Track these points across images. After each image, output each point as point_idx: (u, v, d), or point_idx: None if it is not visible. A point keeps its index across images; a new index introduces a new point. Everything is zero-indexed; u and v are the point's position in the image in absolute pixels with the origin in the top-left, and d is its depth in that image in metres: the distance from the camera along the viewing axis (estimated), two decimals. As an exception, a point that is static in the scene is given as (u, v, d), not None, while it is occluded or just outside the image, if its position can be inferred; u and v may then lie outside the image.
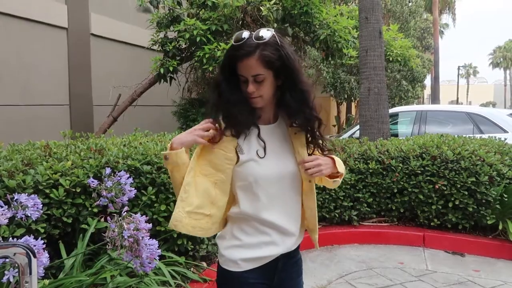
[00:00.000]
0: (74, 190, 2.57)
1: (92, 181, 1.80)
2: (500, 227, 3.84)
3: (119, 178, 1.79)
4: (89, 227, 2.61)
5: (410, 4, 17.31)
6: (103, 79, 7.36)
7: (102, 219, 2.75)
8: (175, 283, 2.61)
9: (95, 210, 2.66)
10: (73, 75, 6.97)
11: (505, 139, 4.75)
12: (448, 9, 33.17)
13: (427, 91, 36.70)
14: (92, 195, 1.83)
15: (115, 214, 1.57)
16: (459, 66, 42.44)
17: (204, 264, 3.12)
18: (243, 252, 1.34)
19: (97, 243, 2.69)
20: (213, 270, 3.04)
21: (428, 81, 30.56)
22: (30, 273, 0.80)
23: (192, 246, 3.07)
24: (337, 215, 4.22)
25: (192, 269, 2.98)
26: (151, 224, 1.57)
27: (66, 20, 6.79)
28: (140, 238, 1.49)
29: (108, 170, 1.81)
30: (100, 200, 1.77)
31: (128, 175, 1.85)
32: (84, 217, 2.66)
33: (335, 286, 3.20)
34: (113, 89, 6.73)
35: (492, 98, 64.86)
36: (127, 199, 1.79)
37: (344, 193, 4.21)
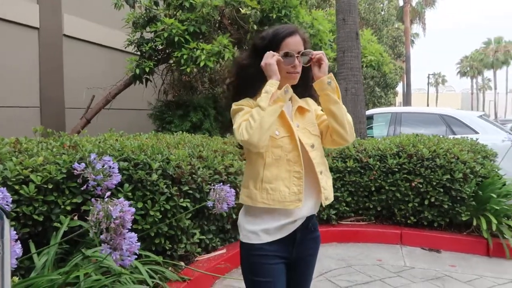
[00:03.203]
0: (45, 186, 2.46)
1: (78, 166, 1.72)
2: (474, 223, 3.93)
3: (104, 161, 1.73)
4: (61, 226, 2.49)
5: (382, 12, 17.79)
6: (76, 82, 7.16)
7: (76, 218, 2.66)
8: (152, 282, 2.52)
9: (68, 208, 2.55)
10: (45, 77, 6.75)
11: (477, 139, 4.88)
12: (418, 19, 34.24)
13: (399, 99, 37.64)
14: (78, 180, 1.75)
15: (98, 199, 1.50)
16: (429, 74, 43.88)
17: (182, 263, 3.03)
18: (262, 224, 1.47)
19: (70, 244, 2.58)
20: (192, 269, 2.97)
21: (399, 89, 31.39)
22: (2, 237, 0.72)
23: (170, 246, 2.99)
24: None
25: (170, 268, 2.89)
26: (134, 209, 1.50)
27: (37, 20, 6.59)
28: (127, 219, 1.43)
29: (93, 155, 1.75)
30: (89, 184, 1.69)
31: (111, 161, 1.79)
32: (56, 215, 2.54)
33: (316, 284, 3.17)
34: (87, 90, 6.55)
35: (460, 106, 67.19)
36: (114, 182, 1.73)
37: (322, 192, 4.21)
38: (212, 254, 3.35)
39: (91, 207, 1.47)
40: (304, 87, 1.59)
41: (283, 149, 1.46)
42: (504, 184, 4.10)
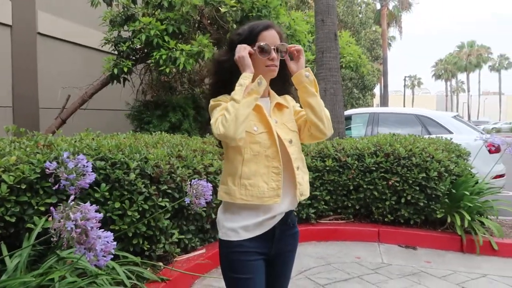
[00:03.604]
0: (18, 187, 2.39)
1: (50, 164, 1.66)
2: (449, 220, 4.02)
3: (78, 160, 1.67)
4: (35, 227, 2.42)
5: (360, 15, 18.07)
6: (51, 81, 6.98)
7: (50, 218, 2.58)
8: (130, 283, 2.48)
9: (42, 208, 2.48)
10: (17, 76, 6.55)
11: (451, 139, 5.01)
12: (395, 22, 34.90)
13: (376, 100, 38.33)
14: (49, 180, 1.68)
15: (61, 204, 1.44)
16: (405, 77, 44.85)
17: (161, 264, 2.99)
18: (241, 221, 1.48)
19: (45, 245, 2.50)
20: (170, 269, 2.93)
21: (377, 90, 31.94)
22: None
23: (148, 246, 2.94)
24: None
25: (148, 269, 2.85)
26: (101, 214, 1.45)
27: (10, 17, 6.40)
28: (89, 228, 1.35)
29: (66, 153, 1.68)
30: (61, 183, 1.63)
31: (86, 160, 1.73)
32: (29, 216, 2.46)
33: (296, 282, 3.19)
34: (62, 90, 6.40)
35: (435, 108, 68.91)
36: (88, 181, 1.67)
37: (302, 192, 4.24)
38: (192, 254, 3.32)
39: (52, 212, 1.39)
40: (282, 84, 1.61)
41: (262, 145, 1.47)
42: (477, 182, 4.22)
